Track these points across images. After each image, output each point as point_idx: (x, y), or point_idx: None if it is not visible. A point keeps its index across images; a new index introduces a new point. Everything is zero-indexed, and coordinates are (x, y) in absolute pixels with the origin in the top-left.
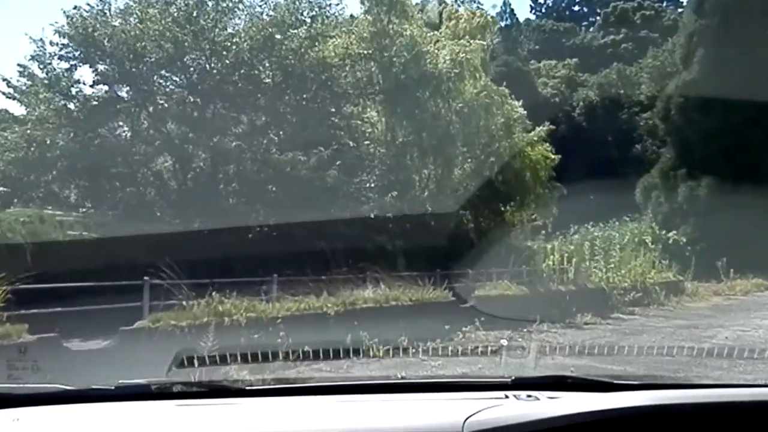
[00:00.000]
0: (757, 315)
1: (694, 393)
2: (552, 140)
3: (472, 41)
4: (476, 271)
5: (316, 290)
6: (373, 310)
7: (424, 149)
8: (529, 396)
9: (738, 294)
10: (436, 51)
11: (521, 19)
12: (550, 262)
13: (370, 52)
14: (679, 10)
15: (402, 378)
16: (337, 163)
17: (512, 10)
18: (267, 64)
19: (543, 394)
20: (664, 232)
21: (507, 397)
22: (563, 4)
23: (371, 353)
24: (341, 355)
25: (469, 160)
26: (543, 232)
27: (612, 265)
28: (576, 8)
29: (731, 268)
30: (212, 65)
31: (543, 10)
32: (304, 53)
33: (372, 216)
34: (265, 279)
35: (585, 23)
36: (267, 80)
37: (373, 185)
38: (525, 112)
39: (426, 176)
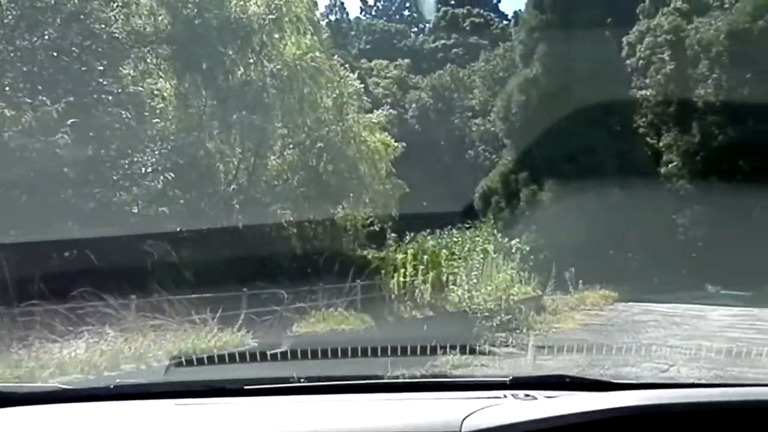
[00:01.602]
0: (647, 338)
1: (692, 392)
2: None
3: None
4: (297, 292)
5: None
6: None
7: (228, 125)
8: (527, 395)
9: (593, 308)
10: None
11: (351, 17)
12: (401, 279)
13: None
14: (504, 22)
15: (400, 377)
16: (70, 121)
17: (342, 4)
18: None
19: (541, 394)
20: (506, 239)
21: (505, 396)
22: (393, 8)
23: None
24: None
25: (291, 145)
26: (389, 238)
27: (474, 281)
28: (406, 13)
29: (579, 278)
30: None
31: (373, 12)
32: None
33: (136, 211)
34: None
35: (415, 29)
36: None
37: (149, 169)
38: (362, 85)
39: (235, 165)
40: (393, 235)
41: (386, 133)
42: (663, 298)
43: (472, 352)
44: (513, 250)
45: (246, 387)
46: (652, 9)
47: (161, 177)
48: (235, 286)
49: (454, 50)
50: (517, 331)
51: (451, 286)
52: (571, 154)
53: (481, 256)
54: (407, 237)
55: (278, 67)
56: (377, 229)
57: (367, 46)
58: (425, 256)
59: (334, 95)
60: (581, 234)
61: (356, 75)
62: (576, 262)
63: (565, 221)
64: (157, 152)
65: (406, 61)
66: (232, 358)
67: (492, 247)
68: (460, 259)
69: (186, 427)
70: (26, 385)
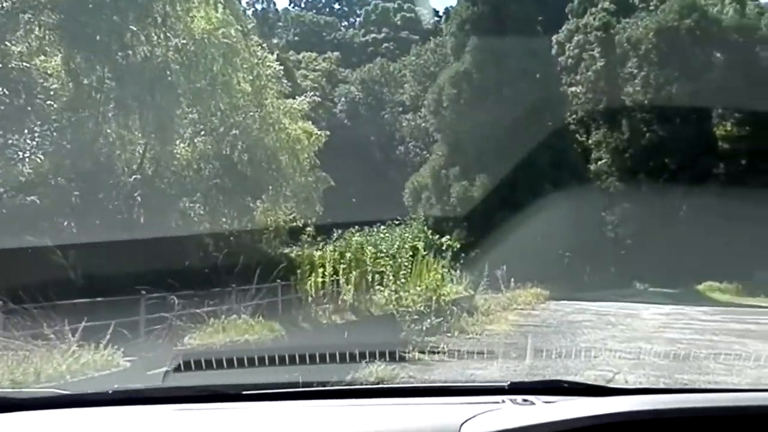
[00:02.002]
0: (585, 341)
1: (689, 397)
2: None
3: None
4: (196, 297)
5: None
6: None
7: (128, 107)
8: (525, 400)
9: (526, 307)
10: None
11: (279, 9)
12: (319, 279)
13: None
14: (436, 18)
15: (399, 382)
16: None
17: None
18: None
19: (539, 399)
20: (436, 236)
21: (503, 401)
22: (323, 0)
23: None
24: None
25: (202, 131)
26: (308, 235)
27: (403, 280)
28: (336, 6)
29: (510, 276)
30: None
31: (302, 4)
32: None
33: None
34: None
35: (345, 23)
36: None
37: (27, 154)
38: (281, 67)
39: (139, 153)
40: (310, 230)
41: (310, 122)
42: (593, 295)
43: (397, 359)
44: (444, 248)
45: (245, 392)
46: (581, 9)
47: (27, 161)
48: (120, 290)
49: (385, 45)
50: (449, 335)
51: (377, 287)
52: (503, 150)
53: (410, 254)
54: (335, 234)
55: (184, 41)
56: (300, 225)
57: (296, 38)
58: (348, 254)
59: (251, 77)
60: (512, 231)
61: (281, 65)
62: (507, 259)
63: (496, 218)
64: (38, 135)
65: (336, 54)
66: (230, 363)
67: (422, 244)
68: (387, 257)
69: None
70: (24, 390)
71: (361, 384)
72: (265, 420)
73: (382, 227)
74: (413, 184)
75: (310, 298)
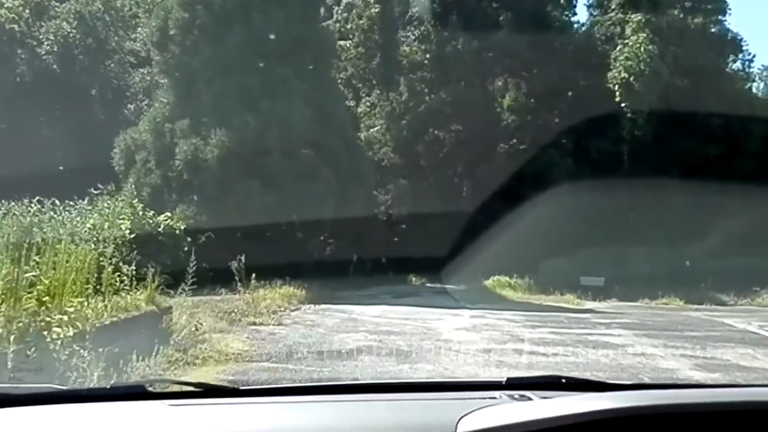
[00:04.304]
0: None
1: (688, 393)
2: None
3: None
4: None
5: None
6: None
7: None
8: (522, 396)
9: (270, 317)
10: None
11: None
12: None
13: None
14: None
15: (395, 378)
16: None
17: None
18: None
19: (536, 395)
20: (152, 212)
21: (500, 397)
22: None
23: None
24: None
25: None
26: None
27: None
28: None
29: (252, 270)
30: None
31: None
32: None
33: None
34: None
35: None
36: None
37: None
38: None
39: None
40: None
41: None
42: (363, 295)
43: None
44: (161, 229)
45: (241, 387)
46: None
47: None
48: None
49: None
50: None
51: None
52: (248, 100)
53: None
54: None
55: None
56: None
57: None
58: None
59: None
60: (256, 207)
61: None
62: (249, 247)
63: (236, 189)
64: None
65: None
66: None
67: (128, 222)
68: None
69: (181, 428)
70: (21, 386)
71: (357, 380)
72: (261, 415)
73: (86, 199)
74: (126, 141)
75: None
